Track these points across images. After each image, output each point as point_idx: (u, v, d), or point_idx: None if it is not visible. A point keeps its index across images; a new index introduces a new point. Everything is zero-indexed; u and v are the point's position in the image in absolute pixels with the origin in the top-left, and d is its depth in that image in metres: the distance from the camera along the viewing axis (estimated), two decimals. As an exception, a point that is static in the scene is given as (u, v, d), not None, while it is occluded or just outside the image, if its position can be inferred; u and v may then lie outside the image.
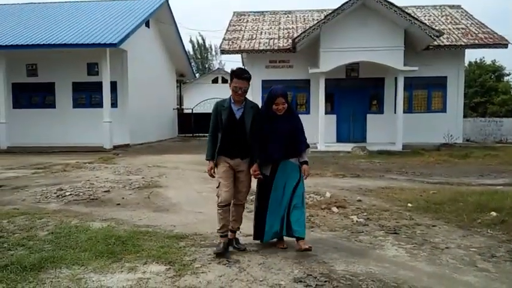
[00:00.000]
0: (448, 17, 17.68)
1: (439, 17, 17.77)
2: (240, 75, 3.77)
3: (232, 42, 16.57)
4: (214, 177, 3.95)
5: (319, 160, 11.35)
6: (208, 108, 23.70)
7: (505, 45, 15.14)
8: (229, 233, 3.94)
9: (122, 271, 3.33)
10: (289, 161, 3.95)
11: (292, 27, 17.70)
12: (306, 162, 3.98)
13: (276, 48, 15.76)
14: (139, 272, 3.32)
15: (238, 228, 4.12)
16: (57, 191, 6.71)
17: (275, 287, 3.04)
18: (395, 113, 15.06)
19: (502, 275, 3.32)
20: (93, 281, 3.13)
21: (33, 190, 6.93)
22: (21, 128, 16.36)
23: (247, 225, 4.31)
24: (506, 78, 34.17)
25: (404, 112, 14.64)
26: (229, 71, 4.24)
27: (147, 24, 18.38)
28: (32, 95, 17.29)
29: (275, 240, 4.06)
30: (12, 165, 10.55)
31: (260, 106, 4.09)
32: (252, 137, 3.87)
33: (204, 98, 26.59)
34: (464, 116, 18.27)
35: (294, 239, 3.88)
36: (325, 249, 3.93)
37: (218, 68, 41.28)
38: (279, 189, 3.92)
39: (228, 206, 3.89)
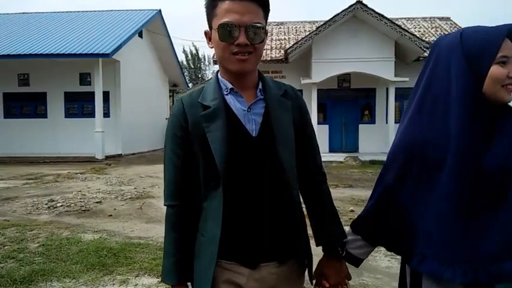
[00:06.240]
0: (438, 29, 17.97)
1: (429, 29, 18.05)
2: None
3: (225, 52, 16.67)
4: None
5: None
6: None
7: (494, 57, 15.37)
8: None
9: (113, 284, 3.30)
10: None
11: (285, 38, 17.87)
12: None
13: (268, 59, 15.88)
14: (131, 284, 3.29)
15: None
16: (48, 202, 6.64)
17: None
18: (386, 123, 15.20)
19: None
20: (84, 294, 3.10)
21: (24, 201, 6.85)
22: (12, 137, 16.21)
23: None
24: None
25: (395, 122, 14.74)
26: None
27: (140, 35, 18.41)
28: (23, 105, 17.15)
29: None
30: (2, 175, 10.43)
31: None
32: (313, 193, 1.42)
33: (196, 108, 26.56)
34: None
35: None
36: (318, 260, 3.93)
37: (211, 78, 41.42)
38: None
39: None
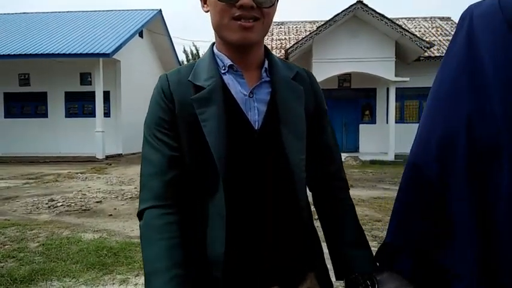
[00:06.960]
0: (439, 29, 17.96)
1: (430, 29, 18.04)
2: None
3: (226, 52, 16.69)
4: None
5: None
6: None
7: (494, 57, 15.35)
8: None
9: (113, 283, 3.30)
10: None
11: (285, 38, 17.87)
12: None
13: (269, 58, 15.87)
14: (131, 284, 3.29)
15: None
16: (49, 202, 6.65)
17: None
18: (387, 123, 15.19)
19: None
20: (84, 293, 3.10)
21: (24, 201, 6.86)
22: (12, 137, 16.23)
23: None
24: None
25: (396, 122, 14.77)
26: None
27: (141, 35, 18.42)
28: (24, 105, 17.16)
29: None
30: (3, 175, 10.43)
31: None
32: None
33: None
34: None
35: None
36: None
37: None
38: None
39: None
